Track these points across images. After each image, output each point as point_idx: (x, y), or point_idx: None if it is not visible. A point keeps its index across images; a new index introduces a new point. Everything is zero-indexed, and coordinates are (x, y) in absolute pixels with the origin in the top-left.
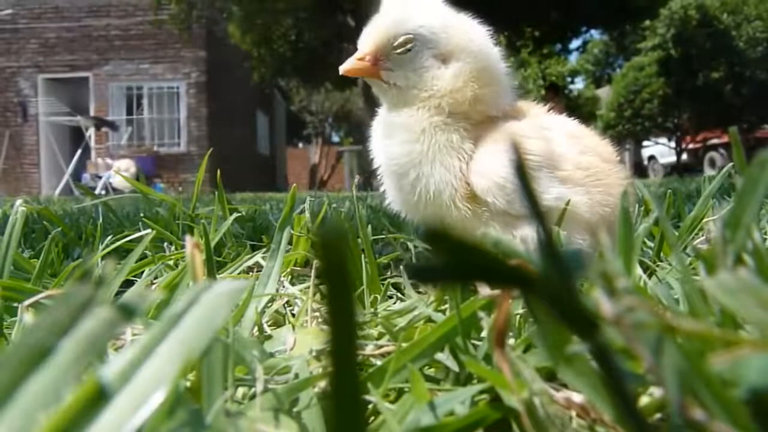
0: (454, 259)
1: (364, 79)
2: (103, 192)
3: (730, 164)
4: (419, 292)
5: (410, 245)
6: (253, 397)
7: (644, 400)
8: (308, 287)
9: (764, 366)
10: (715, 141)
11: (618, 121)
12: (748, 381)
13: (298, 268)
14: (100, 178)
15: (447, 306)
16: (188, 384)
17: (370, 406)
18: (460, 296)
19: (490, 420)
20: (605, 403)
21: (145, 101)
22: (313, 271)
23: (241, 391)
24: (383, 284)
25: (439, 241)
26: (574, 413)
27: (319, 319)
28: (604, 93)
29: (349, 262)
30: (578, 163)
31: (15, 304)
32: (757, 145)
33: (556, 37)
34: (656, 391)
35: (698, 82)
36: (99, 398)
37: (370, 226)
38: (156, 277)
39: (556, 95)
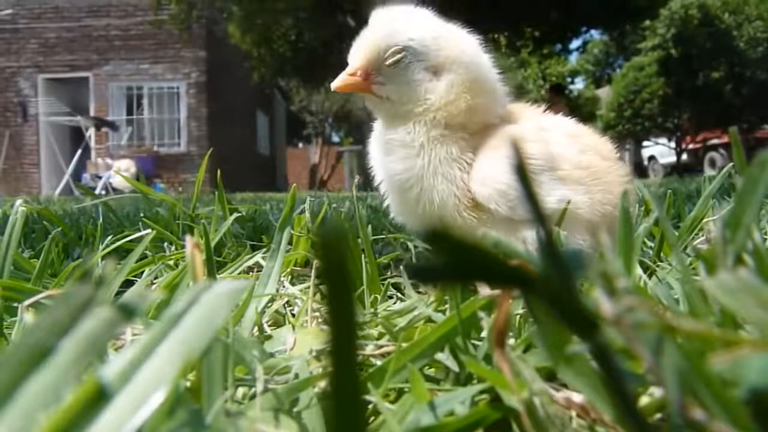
0: (454, 259)
1: (356, 93)
2: (103, 192)
3: (730, 164)
4: (419, 292)
5: (410, 245)
6: (253, 397)
7: (644, 400)
8: (308, 287)
9: (764, 366)
10: (715, 141)
11: (618, 122)
12: (748, 381)
13: (298, 268)
14: (100, 178)
15: (447, 306)
16: (188, 384)
17: (370, 406)
18: (460, 296)
19: (490, 420)
20: (605, 403)
21: (145, 101)
22: (313, 271)
23: (241, 391)
24: (383, 284)
25: (439, 241)
26: (574, 413)
27: (319, 319)
28: (604, 93)
29: (349, 262)
30: (578, 162)
31: (15, 304)
32: (757, 146)
33: (556, 37)
34: (656, 391)
35: (698, 82)
36: (99, 398)
37: (370, 226)
38: (156, 277)
39: (557, 95)
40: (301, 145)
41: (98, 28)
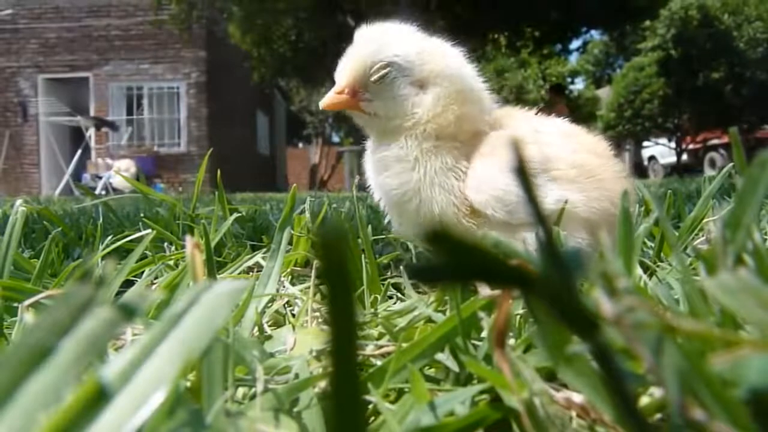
0: (454, 259)
1: (346, 112)
2: (104, 192)
3: (731, 165)
4: (419, 292)
5: (410, 245)
6: (253, 397)
7: (644, 400)
8: (308, 287)
9: (764, 366)
10: (715, 141)
11: (618, 122)
12: (748, 381)
13: (299, 269)
14: (100, 178)
15: (447, 306)
16: (188, 384)
17: (370, 407)
18: (460, 296)
19: (490, 420)
20: (605, 403)
21: (145, 101)
22: (313, 271)
23: (241, 391)
24: (383, 284)
25: (439, 241)
26: (574, 413)
27: (319, 319)
28: (604, 93)
29: (350, 262)
30: (573, 161)
31: (15, 304)
32: (758, 146)
33: (556, 37)
34: (656, 391)
35: (698, 82)
36: (99, 398)
37: (370, 226)
38: (156, 277)
39: (557, 95)
40: (301, 145)
41: (98, 28)
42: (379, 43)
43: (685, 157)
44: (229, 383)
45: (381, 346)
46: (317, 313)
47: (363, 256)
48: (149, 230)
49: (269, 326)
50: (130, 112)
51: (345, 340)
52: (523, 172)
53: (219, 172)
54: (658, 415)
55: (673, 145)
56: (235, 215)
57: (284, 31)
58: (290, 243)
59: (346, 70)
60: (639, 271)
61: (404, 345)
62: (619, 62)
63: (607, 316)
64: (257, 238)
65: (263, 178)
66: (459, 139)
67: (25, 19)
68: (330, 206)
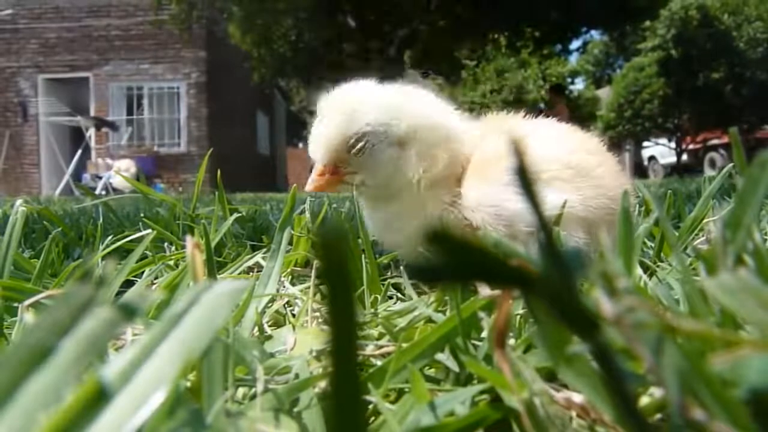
0: (454, 259)
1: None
2: (104, 192)
3: (731, 165)
4: (419, 293)
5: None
6: (253, 397)
7: (644, 401)
8: (308, 287)
9: (764, 366)
10: (715, 141)
11: (618, 122)
12: (748, 381)
13: (299, 269)
14: (100, 178)
15: (447, 306)
16: (188, 384)
17: (370, 407)
18: (460, 296)
19: (491, 420)
20: (605, 404)
21: (145, 101)
22: (313, 271)
23: (241, 391)
24: (383, 284)
25: (439, 241)
26: (574, 413)
27: (320, 320)
28: (604, 93)
29: (350, 262)
30: (567, 162)
31: (15, 304)
32: (758, 146)
33: (556, 37)
34: (656, 392)
35: (698, 82)
36: (99, 398)
37: None
38: (156, 278)
39: (557, 96)
40: (301, 145)
41: (98, 28)
42: (347, 113)
43: (685, 157)
44: (229, 383)
45: (381, 346)
46: (317, 313)
47: (363, 256)
48: (149, 230)
49: (269, 326)
50: (130, 112)
51: (345, 340)
52: (524, 172)
53: (219, 172)
54: (658, 415)
55: (673, 145)
56: (235, 215)
57: (284, 31)
58: (290, 243)
59: (321, 148)
60: (639, 271)
61: (404, 345)
62: (619, 62)
63: (607, 316)
64: (257, 238)
65: (263, 178)
66: (448, 171)
67: (25, 19)
68: (330, 206)
